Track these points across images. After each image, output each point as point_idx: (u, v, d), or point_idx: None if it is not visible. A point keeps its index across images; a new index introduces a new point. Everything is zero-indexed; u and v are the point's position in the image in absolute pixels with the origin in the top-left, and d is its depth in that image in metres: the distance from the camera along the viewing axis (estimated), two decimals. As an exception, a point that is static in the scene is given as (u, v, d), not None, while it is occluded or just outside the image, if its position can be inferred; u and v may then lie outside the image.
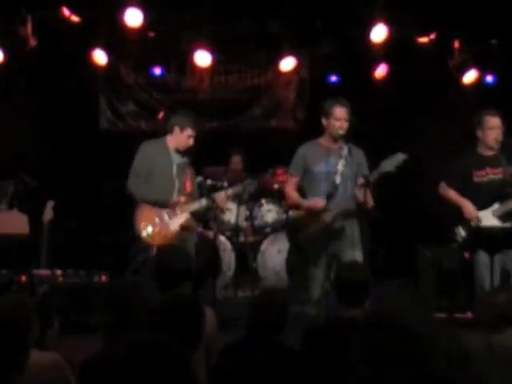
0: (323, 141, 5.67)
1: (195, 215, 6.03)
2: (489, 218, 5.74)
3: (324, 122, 5.61)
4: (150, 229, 5.85)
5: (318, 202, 5.51)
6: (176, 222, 5.87)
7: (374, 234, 8.16)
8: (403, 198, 8.32)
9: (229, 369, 3.47)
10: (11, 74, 7.96)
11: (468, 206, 5.78)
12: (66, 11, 7.61)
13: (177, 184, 5.92)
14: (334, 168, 5.54)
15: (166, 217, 5.86)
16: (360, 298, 3.87)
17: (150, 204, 5.86)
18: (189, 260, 4.37)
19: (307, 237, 5.54)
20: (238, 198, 7.12)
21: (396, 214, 8.38)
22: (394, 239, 8.23)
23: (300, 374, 3.40)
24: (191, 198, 5.98)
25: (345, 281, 3.95)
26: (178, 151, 5.95)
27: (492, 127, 5.80)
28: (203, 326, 3.32)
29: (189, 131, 5.90)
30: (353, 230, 5.59)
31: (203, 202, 5.96)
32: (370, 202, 5.43)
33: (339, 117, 5.53)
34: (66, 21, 7.67)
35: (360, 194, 5.39)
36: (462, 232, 5.83)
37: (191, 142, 5.93)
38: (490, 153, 5.88)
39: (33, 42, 7.68)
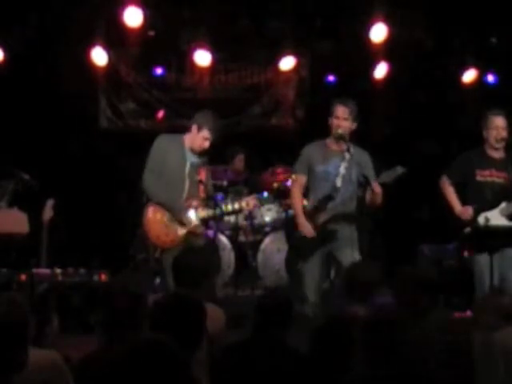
0: (329, 142, 5.68)
1: (206, 221, 5.91)
2: (497, 217, 5.70)
3: (330, 120, 5.62)
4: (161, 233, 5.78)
5: (307, 230, 5.52)
6: (185, 227, 5.69)
7: (374, 233, 8.20)
8: (403, 197, 8.32)
9: (233, 367, 3.48)
10: (11, 73, 7.96)
11: (458, 206, 5.79)
12: (65, 10, 7.62)
13: (187, 184, 5.71)
14: (335, 169, 5.54)
15: (175, 220, 5.68)
16: (367, 297, 3.90)
17: (160, 205, 5.70)
18: (206, 260, 4.41)
19: (302, 236, 5.56)
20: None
21: (396, 214, 8.38)
22: (394, 238, 8.23)
23: (306, 373, 3.40)
24: (204, 203, 5.77)
25: (355, 278, 3.98)
26: (192, 151, 5.75)
27: (495, 127, 5.78)
28: (205, 325, 3.33)
29: (205, 133, 5.66)
30: (351, 230, 5.59)
31: (217, 211, 5.78)
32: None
33: (338, 115, 5.53)
34: (66, 20, 7.68)
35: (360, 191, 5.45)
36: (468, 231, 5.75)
37: (206, 144, 5.70)
38: (497, 155, 5.84)
39: (32, 42, 7.71)
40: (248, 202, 5.84)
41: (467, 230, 5.75)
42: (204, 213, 5.72)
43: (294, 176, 5.91)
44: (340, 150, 5.58)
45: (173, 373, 2.30)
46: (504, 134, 5.77)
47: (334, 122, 5.54)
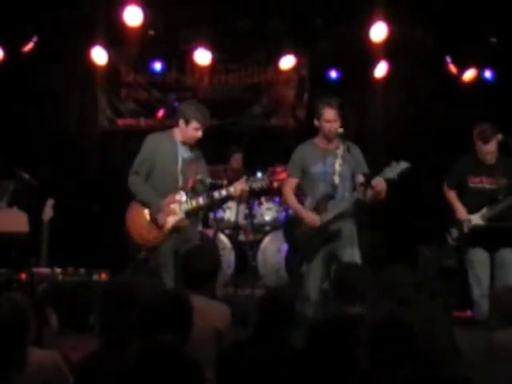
0: (319, 141, 5.68)
1: (193, 214, 5.76)
2: (477, 221, 5.93)
3: (316, 122, 5.63)
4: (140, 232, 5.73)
5: (314, 220, 5.52)
6: (169, 222, 5.63)
7: (374, 233, 8.19)
8: (403, 197, 8.32)
9: (236, 366, 3.48)
10: (10, 73, 7.96)
11: (461, 210, 6.00)
12: (65, 10, 7.63)
13: (180, 181, 5.65)
14: (331, 168, 5.56)
15: (157, 217, 5.62)
16: (358, 298, 3.92)
17: (142, 203, 5.66)
18: (217, 261, 4.43)
19: (303, 236, 5.56)
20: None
21: (396, 214, 8.38)
22: (394, 238, 8.23)
23: (304, 371, 3.41)
24: (189, 195, 5.68)
25: (343, 281, 4.00)
26: (185, 144, 5.68)
27: (485, 153, 5.91)
28: (192, 322, 3.35)
29: (194, 124, 5.57)
30: (351, 228, 5.61)
31: (201, 201, 5.67)
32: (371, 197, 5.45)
33: (328, 119, 5.53)
34: (66, 19, 7.68)
35: (360, 192, 5.43)
36: (454, 233, 6.03)
37: (199, 134, 5.61)
38: (488, 161, 5.97)
39: (32, 41, 7.71)
40: (236, 188, 5.66)
41: (453, 230, 6.03)
42: (189, 205, 5.64)
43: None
44: (332, 148, 5.60)
45: (186, 375, 2.32)
46: (491, 158, 5.90)
47: (325, 125, 5.55)
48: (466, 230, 5.93)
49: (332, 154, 5.58)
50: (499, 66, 8.32)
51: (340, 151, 5.54)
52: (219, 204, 7.37)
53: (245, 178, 5.74)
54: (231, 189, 5.67)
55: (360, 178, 5.51)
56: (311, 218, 5.53)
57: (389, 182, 5.36)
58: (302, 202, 5.81)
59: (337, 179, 5.55)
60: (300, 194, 5.95)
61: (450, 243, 6.07)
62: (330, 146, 5.63)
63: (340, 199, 5.54)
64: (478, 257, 5.88)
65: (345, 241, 5.55)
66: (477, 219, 5.92)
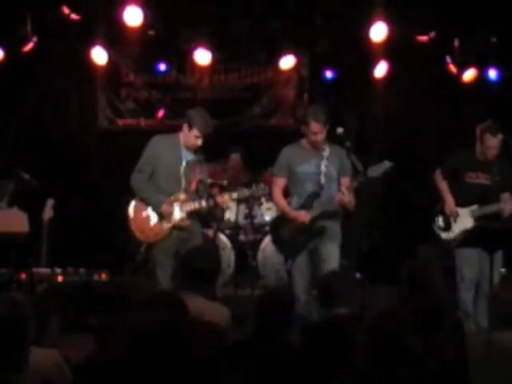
0: (305, 142, 5.75)
1: (195, 215, 5.83)
2: (465, 217, 6.03)
3: (303, 128, 5.69)
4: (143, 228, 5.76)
5: (304, 216, 5.59)
6: (170, 220, 5.71)
7: (374, 233, 8.19)
8: (403, 197, 8.33)
9: (236, 366, 3.49)
10: (10, 73, 7.96)
11: (450, 203, 6.08)
12: (65, 10, 7.62)
13: (183, 183, 5.75)
14: (317, 169, 5.67)
15: (162, 210, 5.69)
16: (343, 305, 3.97)
17: (144, 202, 5.75)
18: (217, 261, 4.44)
19: (289, 235, 5.62)
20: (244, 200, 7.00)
21: (396, 214, 8.39)
22: (394, 238, 8.24)
23: (301, 370, 3.42)
24: (192, 196, 5.79)
25: (327, 290, 4.06)
26: (187, 148, 5.80)
27: (490, 147, 5.96)
28: (186, 324, 3.36)
29: (195, 132, 5.69)
30: (336, 227, 5.72)
31: (203, 203, 5.76)
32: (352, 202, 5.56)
33: (314, 131, 5.62)
34: (66, 19, 7.68)
35: (346, 195, 5.48)
36: (440, 222, 6.13)
37: (199, 142, 5.73)
38: (488, 157, 6.03)
39: (32, 41, 7.71)
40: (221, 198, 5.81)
41: (439, 218, 6.13)
42: (192, 206, 5.73)
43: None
44: (318, 150, 5.68)
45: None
46: (495, 153, 5.96)
47: (312, 136, 5.63)
48: (453, 221, 6.03)
49: (318, 155, 5.70)
50: (502, 65, 8.31)
51: (326, 153, 5.67)
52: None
53: (244, 190, 5.88)
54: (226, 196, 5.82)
55: (346, 181, 5.63)
56: (301, 216, 5.60)
57: (373, 180, 5.44)
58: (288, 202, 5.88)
59: (323, 179, 5.66)
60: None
61: (434, 230, 6.16)
62: (316, 148, 5.71)
63: (326, 199, 5.61)
64: (469, 254, 5.92)
65: (326, 237, 5.64)
66: (465, 215, 6.00)
